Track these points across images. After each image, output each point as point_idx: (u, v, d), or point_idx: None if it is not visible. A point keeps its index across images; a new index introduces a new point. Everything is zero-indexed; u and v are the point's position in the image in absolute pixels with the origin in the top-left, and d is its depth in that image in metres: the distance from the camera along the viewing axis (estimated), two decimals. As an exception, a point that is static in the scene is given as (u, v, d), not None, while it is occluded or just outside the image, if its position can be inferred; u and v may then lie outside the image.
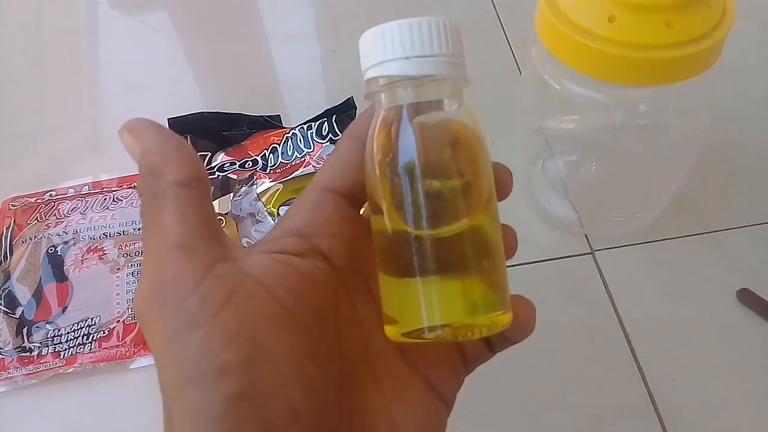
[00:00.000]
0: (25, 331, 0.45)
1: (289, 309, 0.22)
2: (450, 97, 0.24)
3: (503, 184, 0.26)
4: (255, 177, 0.51)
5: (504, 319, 0.23)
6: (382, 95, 0.24)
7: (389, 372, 0.25)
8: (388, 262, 0.24)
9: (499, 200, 0.25)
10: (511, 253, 0.26)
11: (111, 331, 0.45)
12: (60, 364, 0.44)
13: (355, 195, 0.25)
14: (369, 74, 0.23)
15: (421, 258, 0.22)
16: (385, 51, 0.23)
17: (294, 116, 0.58)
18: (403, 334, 0.23)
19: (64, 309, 0.46)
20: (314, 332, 0.23)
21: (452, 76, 0.23)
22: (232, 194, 0.51)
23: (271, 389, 0.20)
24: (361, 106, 0.55)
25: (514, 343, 0.26)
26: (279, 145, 0.54)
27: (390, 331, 0.24)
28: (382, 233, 0.23)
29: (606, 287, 0.47)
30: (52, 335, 0.45)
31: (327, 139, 0.53)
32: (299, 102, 0.60)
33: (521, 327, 0.24)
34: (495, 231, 0.24)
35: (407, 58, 0.22)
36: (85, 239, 0.49)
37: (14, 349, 0.44)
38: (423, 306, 0.23)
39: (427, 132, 0.23)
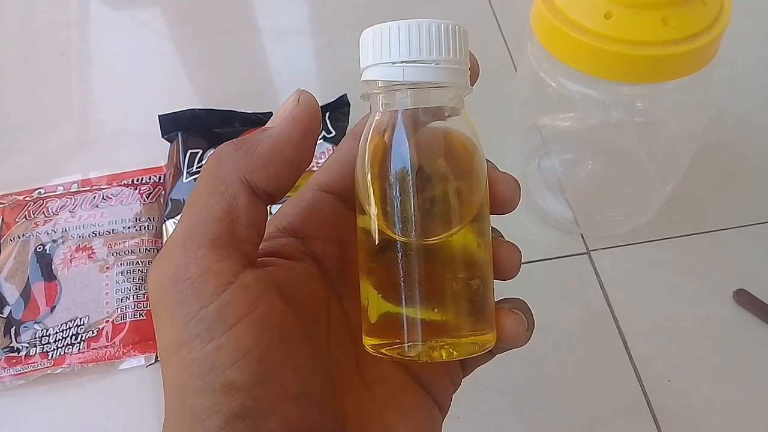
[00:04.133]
0: (12, 331, 0.44)
1: (299, 321, 0.22)
2: (449, 105, 0.23)
3: (509, 197, 0.24)
4: (247, 175, 0.51)
5: (486, 339, 0.23)
6: (379, 98, 0.22)
7: (381, 377, 0.24)
8: (370, 268, 0.23)
9: (505, 213, 0.24)
10: (512, 273, 0.24)
11: (100, 331, 0.44)
12: (48, 365, 0.43)
13: (351, 197, 0.24)
14: (367, 75, 0.22)
15: (405, 269, 0.22)
16: (384, 53, 0.21)
17: (287, 113, 0.57)
18: (381, 347, 0.22)
19: (53, 308, 0.45)
20: (316, 343, 0.22)
21: (453, 83, 0.22)
22: (223, 192, 0.50)
23: (272, 408, 0.20)
24: (354, 103, 0.54)
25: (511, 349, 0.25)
26: (271, 142, 0.53)
27: (368, 342, 0.23)
28: (367, 239, 0.23)
29: (602, 287, 0.47)
30: (41, 335, 0.44)
31: (320, 136, 0.53)
32: (292, 99, 0.59)
33: (510, 342, 0.23)
34: (482, 248, 0.23)
35: (408, 62, 0.21)
36: (74, 238, 0.48)
37: (2, 349, 0.44)
38: (404, 321, 0.22)
39: (421, 140, 0.22)
